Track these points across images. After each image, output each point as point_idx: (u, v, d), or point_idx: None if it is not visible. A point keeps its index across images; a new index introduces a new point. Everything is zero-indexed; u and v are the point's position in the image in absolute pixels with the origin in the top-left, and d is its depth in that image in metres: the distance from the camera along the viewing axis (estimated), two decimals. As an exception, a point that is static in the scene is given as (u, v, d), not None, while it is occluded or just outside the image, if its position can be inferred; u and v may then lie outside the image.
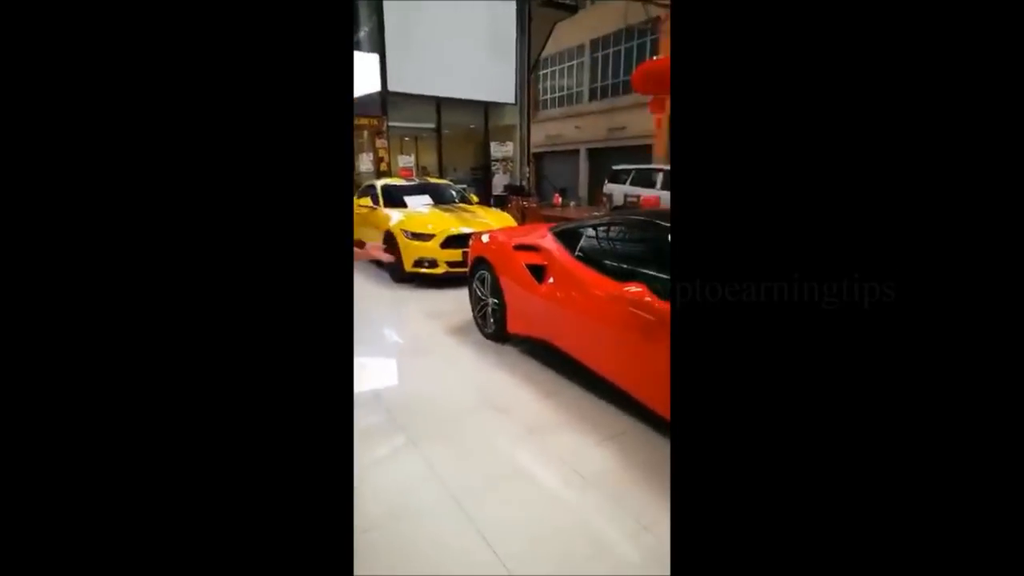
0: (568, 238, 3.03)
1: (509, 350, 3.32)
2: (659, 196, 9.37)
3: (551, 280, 2.91)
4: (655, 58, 7.63)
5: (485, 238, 3.60)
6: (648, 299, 2.15)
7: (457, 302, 4.32)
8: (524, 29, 10.71)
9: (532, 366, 3.07)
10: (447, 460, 2.10)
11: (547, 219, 7.36)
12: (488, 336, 3.52)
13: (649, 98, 8.14)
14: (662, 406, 2.14)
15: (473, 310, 3.70)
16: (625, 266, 2.57)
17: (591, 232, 2.96)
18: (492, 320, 3.44)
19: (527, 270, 3.06)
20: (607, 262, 2.67)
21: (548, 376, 2.92)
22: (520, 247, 3.21)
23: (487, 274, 3.44)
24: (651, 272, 2.37)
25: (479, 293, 3.58)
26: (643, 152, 14.82)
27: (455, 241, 4.95)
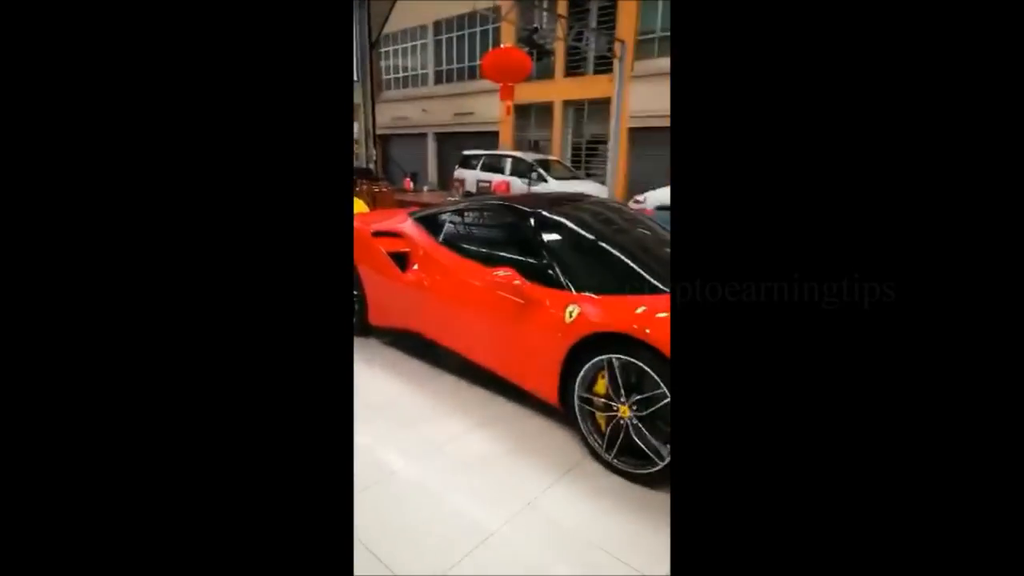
0: (430, 224, 2.95)
1: (372, 343, 3.15)
2: (508, 182, 9.68)
3: (415, 267, 2.81)
4: (501, 46, 7.77)
5: (339, 225, 3.35)
6: (517, 283, 2.20)
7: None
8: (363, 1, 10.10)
9: (399, 357, 2.95)
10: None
11: (401, 204, 7.13)
12: (348, 330, 3.30)
13: (498, 85, 8.31)
14: (535, 386, 2.22)
15: (329, 303, 3.43)
16: (487, 250, 2.59)
17: (453, 217, 2.92)
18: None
19: (389, 258, 2.92)
20: (472, 247, 2.67)
21: (416, 366, 2.84)
22: (380, 234, 3.04)
23: (343, 263, 3.21)
24: (515, 256, 2.43)
25: (335, 284, 3.32)
26: (490, 138, 15.14)
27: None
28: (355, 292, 3.14)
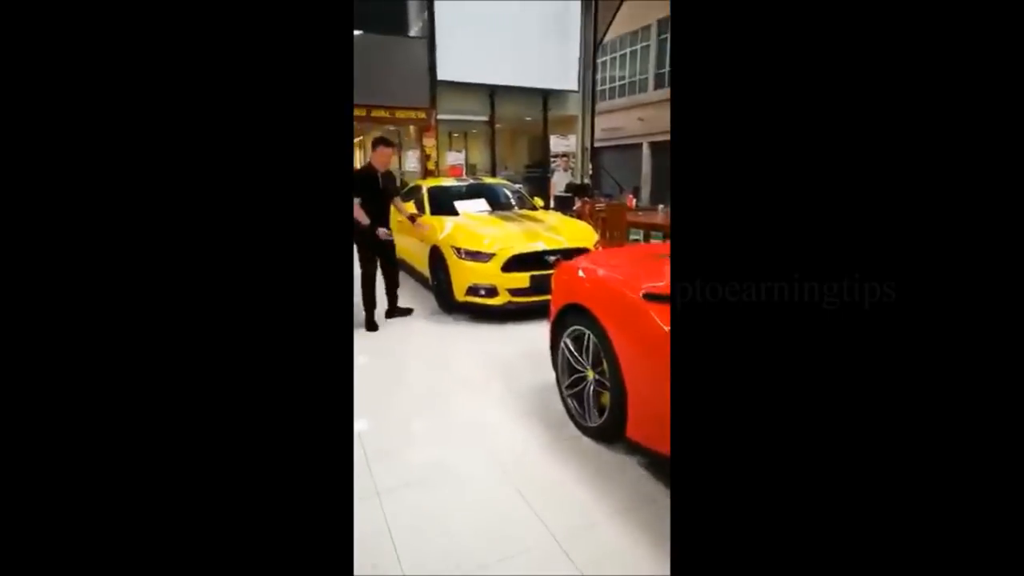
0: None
1: (628, 464, 2.01)
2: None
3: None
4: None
5: (581, 272, 2.29)
6: None
7: (524, 346, 3.06)
8: (591, 3, 9.33)
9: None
10: None
11: (633, 227, 5.97)
12: (587, 431, 2.21)
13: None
14: None
15: (560, 384, 2.40)
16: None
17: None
18: (596, 408, 2.14)
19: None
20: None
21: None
22: (654, 297, 1.86)
23: (587, 333, 2.13)
24: None
25: (572, 360, 2.27)
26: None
27: (521, 262, 3.69)
28: (602, 376, 2.04)
